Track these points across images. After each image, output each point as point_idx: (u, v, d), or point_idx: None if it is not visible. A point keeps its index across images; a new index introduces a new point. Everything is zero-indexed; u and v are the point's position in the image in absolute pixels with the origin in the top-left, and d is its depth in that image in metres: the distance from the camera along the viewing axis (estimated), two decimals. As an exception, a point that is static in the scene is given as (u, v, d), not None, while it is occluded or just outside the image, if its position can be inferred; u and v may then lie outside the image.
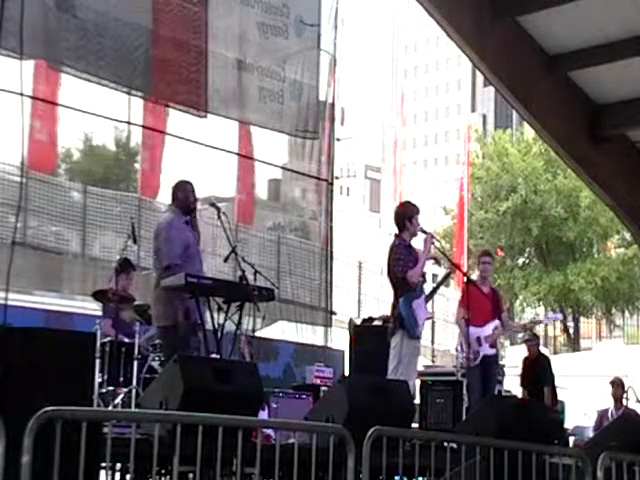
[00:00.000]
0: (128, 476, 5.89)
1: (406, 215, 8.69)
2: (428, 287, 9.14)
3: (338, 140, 17.11)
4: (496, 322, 9.92)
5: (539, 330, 35.13)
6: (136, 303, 9.18)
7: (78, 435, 4.00)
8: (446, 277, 10.17)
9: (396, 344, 8.37)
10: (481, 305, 9.82)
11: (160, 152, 12.59)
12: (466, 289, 10.00)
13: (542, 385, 12.02)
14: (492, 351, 9.81)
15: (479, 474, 5.52)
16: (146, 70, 11.07)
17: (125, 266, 9.27)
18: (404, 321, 8.36)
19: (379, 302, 20.70)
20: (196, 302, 7.67)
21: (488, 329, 9.70)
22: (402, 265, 8.46)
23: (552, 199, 35.84)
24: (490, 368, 9.69)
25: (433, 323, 19.90)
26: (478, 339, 9.66)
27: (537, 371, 12.19)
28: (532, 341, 12.58)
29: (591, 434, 11.86)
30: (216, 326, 7.93)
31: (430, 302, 9.56)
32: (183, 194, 8.14)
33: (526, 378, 12.36)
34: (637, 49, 10.38)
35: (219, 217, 8.30)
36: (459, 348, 9.90)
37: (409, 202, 9.33)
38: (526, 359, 12.59)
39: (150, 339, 8.80)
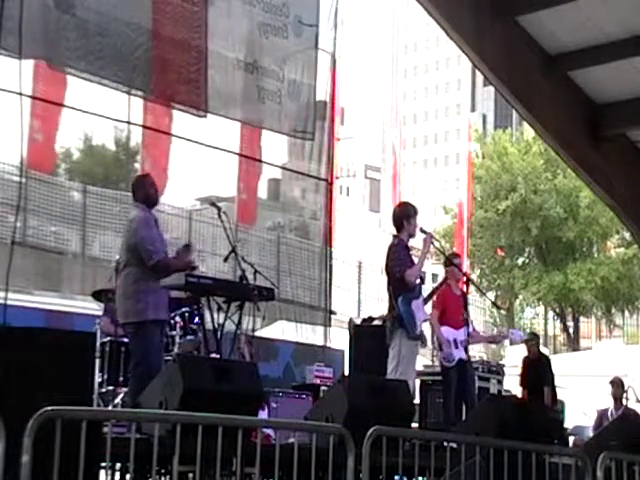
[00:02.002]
0: (128, 476, 5.88)
1: (404, 215, 8.68)
2: (428, 288, 9.14)
3: (338, 140, 17.09)
4: (469, 329, 9.91)
5: (538, 329, 35.23)
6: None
7: (78, 435, 4.00)
8: (446, 279, 10.15)
9: (395, 344, 8.36)
10: (455, 307, 9.84)
11: (160, 152, 12.57)
12: (441, 291, 10.03)
13: (542, 385, 12.02)
14: (466, 356, 9.79)
15: (479, 474, 5.51)
16: (146, 70, 11.06)
17: (125, 266, 9.24)
18: (403, 321, 8.34)
19: (379, 302, 20.69)
20: (196, 303, 7.66)
21: (462, 334, 9.68)
22: (400, 265, 8.45)
23: (552, 199, 35.83)
24: (466, 370, 9.67)
25: (433, 323, 19.86)
26: (455, 341, 9.66)
27: (537, 371, 12.19)
28: (532, 341, 12.58)
29: (591, 434, 11.85)
30: (216, 326, 7.93)
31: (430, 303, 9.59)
32: (144, 189, 7.90)
33: (526, 378, 12.37)
34: (637, 49, 10.39)
35: (219, 217, 8.29)
36: (437, 347, 9.90)
37: (407, 202, 9.34)
38: (526, 359, 12.59)
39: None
